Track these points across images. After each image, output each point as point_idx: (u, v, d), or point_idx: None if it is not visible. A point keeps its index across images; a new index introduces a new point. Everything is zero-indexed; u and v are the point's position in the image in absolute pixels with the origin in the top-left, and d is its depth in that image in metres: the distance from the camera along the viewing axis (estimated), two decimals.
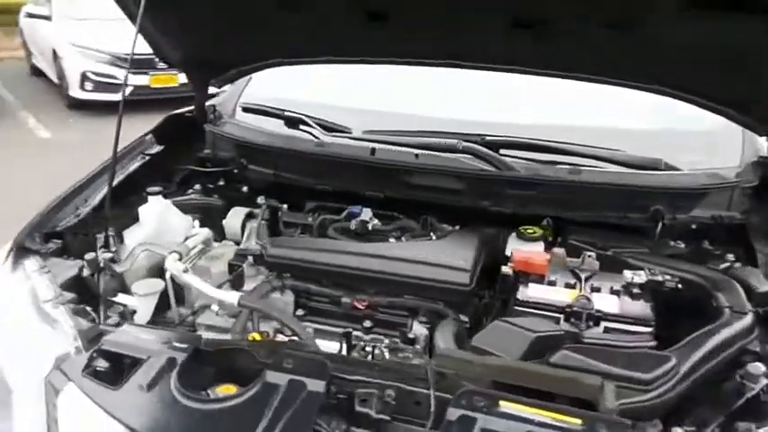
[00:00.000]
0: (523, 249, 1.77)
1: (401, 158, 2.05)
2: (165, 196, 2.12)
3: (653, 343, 1.48)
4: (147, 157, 2.28)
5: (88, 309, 1.63)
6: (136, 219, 2.02)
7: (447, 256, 1.71)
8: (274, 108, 2.38)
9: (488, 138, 2.09)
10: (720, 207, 1.89)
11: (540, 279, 1.64)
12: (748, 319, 1.46)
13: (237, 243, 2.06)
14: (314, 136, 2.26)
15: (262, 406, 1.22)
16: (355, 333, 1.72)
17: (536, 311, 1.54)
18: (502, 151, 2.05)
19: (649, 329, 1.50)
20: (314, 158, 2.14)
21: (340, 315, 1.79)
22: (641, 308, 1.54)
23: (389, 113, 2.35)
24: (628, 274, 1.61)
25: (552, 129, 2.15)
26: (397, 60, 2.08)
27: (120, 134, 1.74)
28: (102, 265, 1.75)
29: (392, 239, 1.92)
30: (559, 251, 1.74)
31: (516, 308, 1.56)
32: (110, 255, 1.82)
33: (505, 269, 1.68)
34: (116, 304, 1.70)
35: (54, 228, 1.88)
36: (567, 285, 1.62)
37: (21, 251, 1.78)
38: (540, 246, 1.83)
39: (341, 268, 1.75)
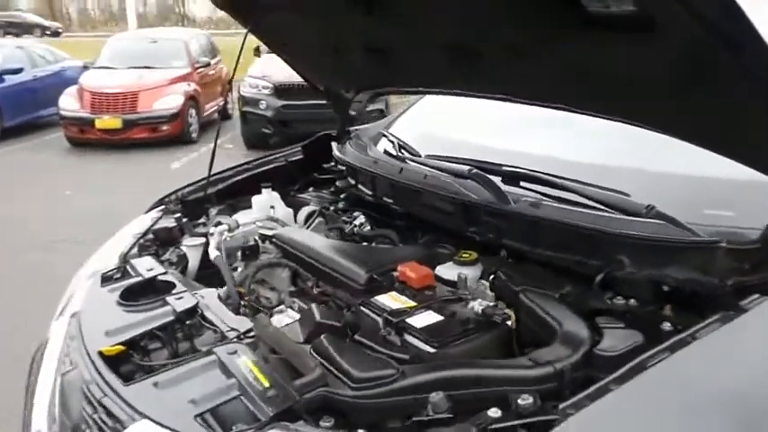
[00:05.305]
0: (440, 270, 1.82)
1: (416, 179, 2.23)
2: (283, 192, 2.76)
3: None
4: (285, 161, 2.96)
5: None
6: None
7: (361, 257, 1.89)
8: (388, 134, 2.77)
9: (506, 169, 2.09)
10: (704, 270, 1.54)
11: (407, 291, 1.70)
12: (539, 372, 1.31)
13: None
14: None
15: None
16: None
17: (370, 312, 1.63)
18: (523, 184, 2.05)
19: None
20: (371, 174, 2.48)
21: (311, 297, 2.12)
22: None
23: (459, 142, 2.50)
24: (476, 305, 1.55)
25: (585, 167, 2.01)
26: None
27: None
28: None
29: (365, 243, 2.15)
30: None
31: (361, 307, 1.66)
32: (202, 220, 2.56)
33: (395, 274, 1.77)
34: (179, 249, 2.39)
35: (186, 197, 2.70)
36: (420, 298, 1.64)
37: (159, 204, 2.65)
38: (467, 270, 1.82)
39: (300, 253, 2.10)
